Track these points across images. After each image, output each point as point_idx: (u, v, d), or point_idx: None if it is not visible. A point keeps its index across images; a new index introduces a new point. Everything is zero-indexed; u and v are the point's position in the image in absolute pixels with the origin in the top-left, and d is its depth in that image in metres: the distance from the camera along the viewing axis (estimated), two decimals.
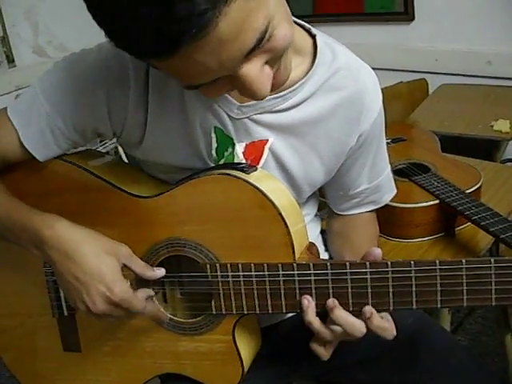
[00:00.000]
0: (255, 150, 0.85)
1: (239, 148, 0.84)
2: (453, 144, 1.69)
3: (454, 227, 1.32)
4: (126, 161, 1.21)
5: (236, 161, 0.85)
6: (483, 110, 2.01)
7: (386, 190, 0.99)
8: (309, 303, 0.75)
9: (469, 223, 1.32)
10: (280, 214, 0.76)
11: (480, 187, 1.35)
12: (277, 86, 0.68)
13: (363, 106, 0.86)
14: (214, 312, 0.81)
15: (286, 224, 0.76)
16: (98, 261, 0.76)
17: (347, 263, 0.74)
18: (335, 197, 0.98)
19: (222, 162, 0.85)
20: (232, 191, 0.77)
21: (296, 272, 0.76)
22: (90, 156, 0.89)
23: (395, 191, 1.02)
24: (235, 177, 0.77)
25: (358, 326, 0.73)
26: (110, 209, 0.83)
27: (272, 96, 0.79)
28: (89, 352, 0.90)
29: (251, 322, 0.87)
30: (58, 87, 0.79)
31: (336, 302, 0.73)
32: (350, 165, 0.91)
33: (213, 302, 0.80)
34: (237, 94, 0.77)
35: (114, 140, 0.94)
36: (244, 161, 0.85)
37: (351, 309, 0.75)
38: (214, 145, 0.83)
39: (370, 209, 0.98)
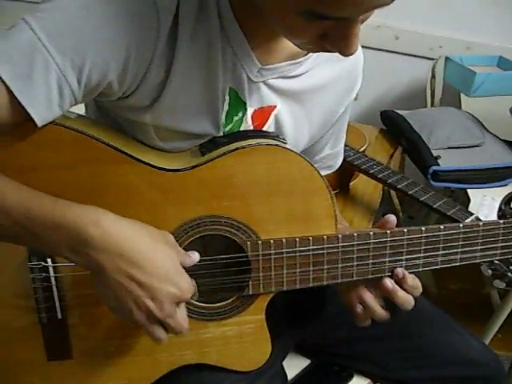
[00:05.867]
0: (262, 115, 0.79)
1: (249, 113, 0.78)
2: None
3: (349, 183, 1.44)
4: None
5: (243, 127, 0.79)
6: None
7: (342, 154, 1.02)
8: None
9: (356, 179, 1.46)
10: (327, 186, 0.74)
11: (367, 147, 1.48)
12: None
13: (357, 77, 0.88)
14: (251, 292, 0.75)
15: (331, 195, 0.75)
16: (161, 255, 0.63)
17: (388, 232, 0.77)
18: None
19: (228, 127, 0.77)
20: (280, 163, 0.72)
21: (340, 244, 0.75)
22: (82, 120, 0.71)
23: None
24: (285, 148, 0.72)
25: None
26: (130, 185, 0.68)
27: (291, 61, 0.76)
28: (85, 358, 0.74)
29: None
30: (71, 32, 0.60)
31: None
32: (324, 132, 0.92)
33: (250, 282, 0.74)
34: (261, 54, 0.72)
35: None
36: (252, 127, 0.79)
37: (386, 273, 0.79)
38: (226, 107, 0.75)
39: (325, 173, 0.99)
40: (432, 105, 1.90)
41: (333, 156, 0.98)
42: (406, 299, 0.76)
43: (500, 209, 0.84)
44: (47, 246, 0.61)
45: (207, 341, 0.77)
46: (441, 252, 0.79)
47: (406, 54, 2.17)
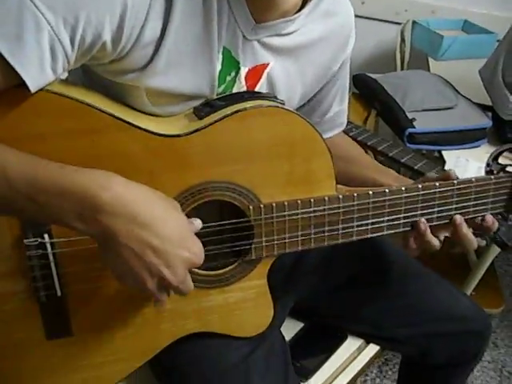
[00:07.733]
0: (255, 74, 0.78)
1: (243, 73, 0.76)
2: None
3: None
4: None
5: (236, 87, 0.77)
6: None
7: (346, 111, 1.02)
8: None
9: None
10: (327, 146, 0.73)
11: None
12: None
13: (350, 31, 0.87)
14: (253, 257, 0.74)
15: (331, 155, 0.74)
16: (173, 220, 0.61)
17: (386, 190, 0.77)
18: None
19: (222, 88, 0.75)
20: (281, 125, 0.70)
21: (341, 204, 0.75)
22: (73, 86, 0.67)
23: None
24: (286, 109, 0.70)
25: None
26: (129, 152, 0.65)
27: (284, 19, 0.74)
28: (85, 334, 0.71)
29: None
30: None
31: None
32: (328, 90, 0.91)
33: (253, 247, 0.73)
34: (256, 11, 0.71)
35: None
36: (245, 87, 0.78)
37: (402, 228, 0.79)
38: (218, 67, 0.72)
39: (338, 131, 0.99)
40: (401, 68, 1.91)
41: (342, 112, 0.98)
42: (470, 238, 0.79)
43: (488, 164, 0.86)
44: (52, 216, 0.58)
45: (210, 308, 0.76)
46: (436, 209, 0.80)
47: (372, 19, 2.17)
